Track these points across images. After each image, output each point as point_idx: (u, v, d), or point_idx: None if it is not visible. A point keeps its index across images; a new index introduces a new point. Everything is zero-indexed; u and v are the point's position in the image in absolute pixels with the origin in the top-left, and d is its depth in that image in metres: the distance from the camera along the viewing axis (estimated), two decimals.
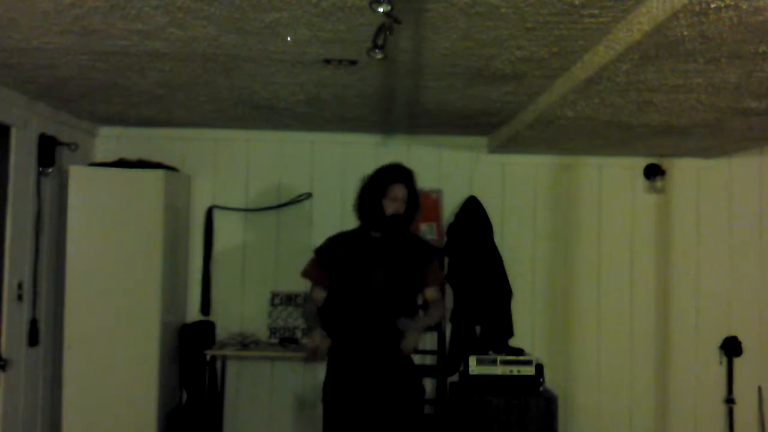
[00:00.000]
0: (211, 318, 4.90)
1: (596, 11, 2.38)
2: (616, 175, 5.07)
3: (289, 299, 4.87)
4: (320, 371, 3.32)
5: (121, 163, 4.50)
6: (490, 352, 4.60)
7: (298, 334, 4.81)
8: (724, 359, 4.98)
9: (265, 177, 4.99)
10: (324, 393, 3.24)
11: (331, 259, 3.27)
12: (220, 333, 4.87)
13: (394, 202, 3.19)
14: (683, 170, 5.06)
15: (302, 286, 4.83)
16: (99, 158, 4.81)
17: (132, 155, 4.66)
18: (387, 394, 3.14)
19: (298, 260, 4.86)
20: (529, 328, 4.98)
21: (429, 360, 4.85)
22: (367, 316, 3.16)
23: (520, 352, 4.63)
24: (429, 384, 4.75)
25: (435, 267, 3.36)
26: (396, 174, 3.26)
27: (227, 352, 4.56)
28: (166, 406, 4.48)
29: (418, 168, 4.79)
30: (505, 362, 4.49)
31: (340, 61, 3.08)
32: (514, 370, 4.48)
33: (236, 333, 4.82)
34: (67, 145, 4.40)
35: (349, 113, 4.26)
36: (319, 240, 3.47)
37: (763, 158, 5.04)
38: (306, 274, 3.38)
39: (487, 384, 4.45)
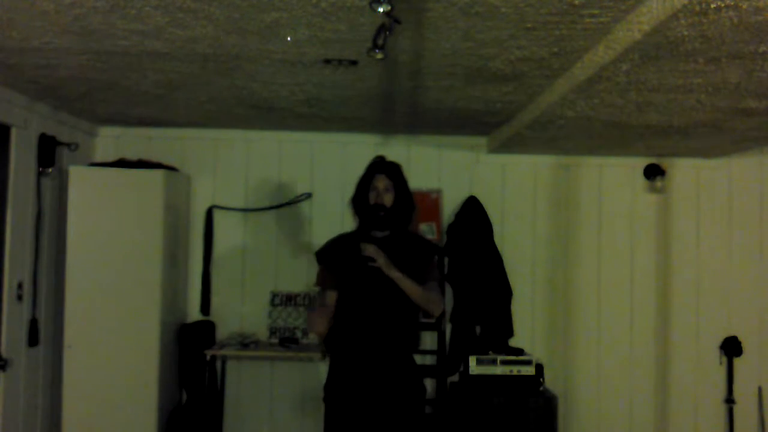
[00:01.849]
0: (211, 318, 4.90)
1: (596, 11, 2.38)
2: (616, 175, 5.07)
3: (289, 299, 4.87)
4: (322, 372, 3.31)
5: (121, 163, 4.50)
6: (490, 352, 4.60)
7: (298, 334, 4.81)
8: (724, 359, 4.98)
9: (265, 177, 4.99)
10: (326, 393, 3.24)
11: (334, 260, 3.27)
12: (220, 333, 4.87)
13: (375, 192, 3.20)
14: (683, 170, 5.06)
15: (302, 286, 4.87)
16: (99, 158, 4.81)
17: (132, 155, 4.66)
18: (388, 395, 3.14)
19: (298, 260, 4.91)
20: (529, 328, 4.98)
21: (429, 360, 4.85)
22: (368, 317, 3.16)
23: (520, 352, 4.63)
24: (429, 384, 4.75)
25: (434, 264, 3.37)
26: (376, 166, 3.28)
27: (227, 352, 4.56)
28: (166, 406, 4.48)
29: (418, 168, 4.87)
30: (505, 362, 4.49)
31: (340, 61, 3.08)
32: (514, 370, 4.48)
33: (236, 333, 4.83)
34: (67, 145, 4.40)
35: (349, 113, 4.26)
36: (318, 240, 3.46)
37: (763, 158, 5.04)
38: (316, 281, 3.37)
39: (487, 384, 4.45)
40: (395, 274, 3.09)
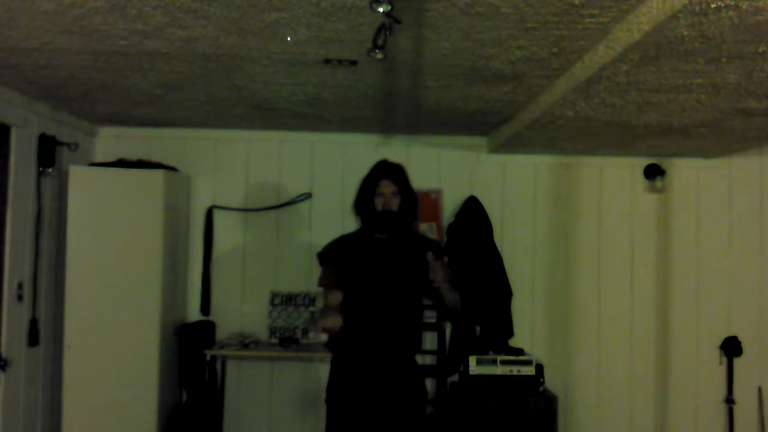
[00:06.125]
0: (211, 318, 4.90)
1: (596, 11, 2.38)
2: (616, 175, 5.07)
3: (289, 299, 4.87)
4: (322, 372, 3.31)
5: (121, 163, 4.50)
6: (490, 352, 4.60)
7: (298, 334, 4.81)
8: (724, 359, 4.97)
9: (265, 177, 4.99)
10: (328, 393, 3.24)
11: (337, 261, 3.26)
12: (220, 333, 4.87)
13: (382, 197, 3.19)
14: (683, 170, 5.06)
15: (302, 286, 4.87)
16: (99, 158, 4.81)
17: (132, 155, 4.66)
18: (391, 396, 3.14)
19: (298, 260, 4.91)
20: (529, 328, 4.98)
21: (429, 360, 4.85)
22: (372, 319, 3.16)
23: (520, 352, 4.63)
24: (429, 384, 4.74)
25: (443, 262, 3.31)
26: (382, 170, 3.26)
27: (227, 352, 4.56)
28: (166, 406, 4.48)
29: (418, 168, 4.86)
30: (505, 362, 4.49)
31: (340, 61, 3.08)
32: (514, 370, 4.48)
33: (236, 333, 4.83)
34: (67, 145, 4.40)
35: (349, 113, 4.26)
36: (318, 240, 3.46)
37: (763, 158, 5.04)
38: (320, 282, 3.34)
39: (487, 384, 4.45)
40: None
